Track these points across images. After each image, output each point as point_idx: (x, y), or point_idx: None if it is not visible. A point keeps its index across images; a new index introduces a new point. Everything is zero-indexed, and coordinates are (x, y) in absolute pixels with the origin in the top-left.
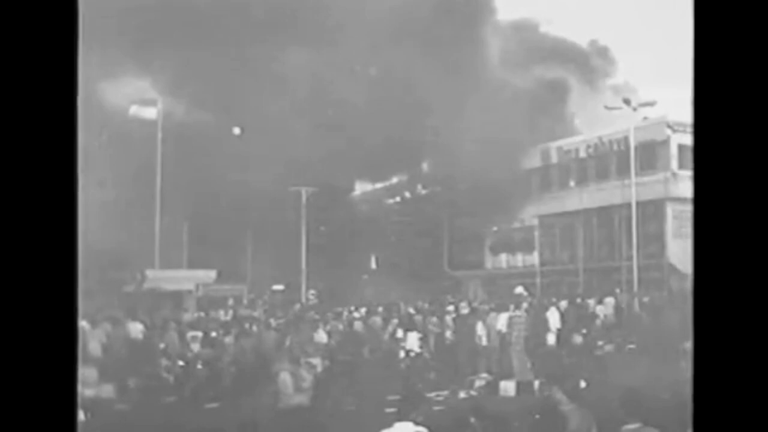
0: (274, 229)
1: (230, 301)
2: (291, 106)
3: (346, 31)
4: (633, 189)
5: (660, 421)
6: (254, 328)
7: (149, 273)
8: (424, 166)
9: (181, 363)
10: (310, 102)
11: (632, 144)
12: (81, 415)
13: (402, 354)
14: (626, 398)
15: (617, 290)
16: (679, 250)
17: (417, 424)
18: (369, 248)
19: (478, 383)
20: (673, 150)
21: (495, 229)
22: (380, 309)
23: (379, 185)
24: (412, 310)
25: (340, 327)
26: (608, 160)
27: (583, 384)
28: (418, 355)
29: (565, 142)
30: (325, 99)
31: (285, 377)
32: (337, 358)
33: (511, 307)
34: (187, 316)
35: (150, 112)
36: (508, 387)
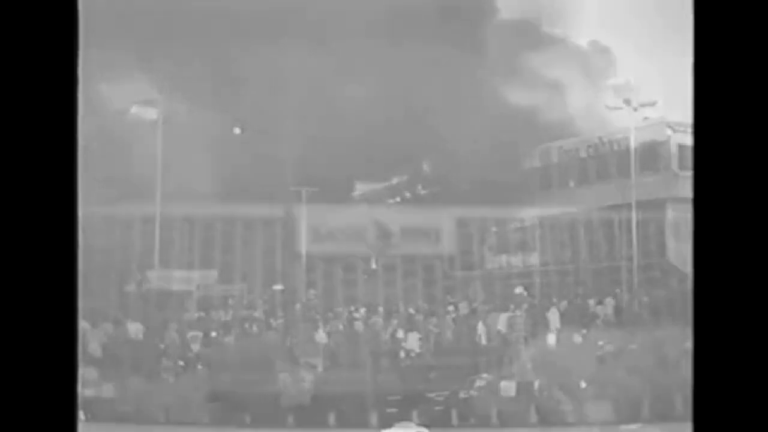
0: (274, 229)
1: (230, 301)
2: (291, 106)
3: (346, 31)
4: (633, 189)
5: (660, 421)
6: (254, 328)
7: (149, 273)
8: (424, 166)
9: (181, 363)
10: (310, 102)
11: (632, 144)
12: (81, 415)
13: (402, 354)
14: (626, 398)
15: (617, 290)
16: (679, 250)
17: (417, 424)
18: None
19: (478, 383)
20: (673, 150)
21: (495, 229)
22: (380, 309)
23: (379, 185)
24: (412, 310)
25: (340, 327)
26: (608, 160)
27: (583, 384)
28: (418, 355)
29: (565, 142)
30: (325, 99)
31: (285, 377)
32: (337, 358)
33: (511, 307)
34: (187, 316)
35: (150, 112)
36: (508, 387)
